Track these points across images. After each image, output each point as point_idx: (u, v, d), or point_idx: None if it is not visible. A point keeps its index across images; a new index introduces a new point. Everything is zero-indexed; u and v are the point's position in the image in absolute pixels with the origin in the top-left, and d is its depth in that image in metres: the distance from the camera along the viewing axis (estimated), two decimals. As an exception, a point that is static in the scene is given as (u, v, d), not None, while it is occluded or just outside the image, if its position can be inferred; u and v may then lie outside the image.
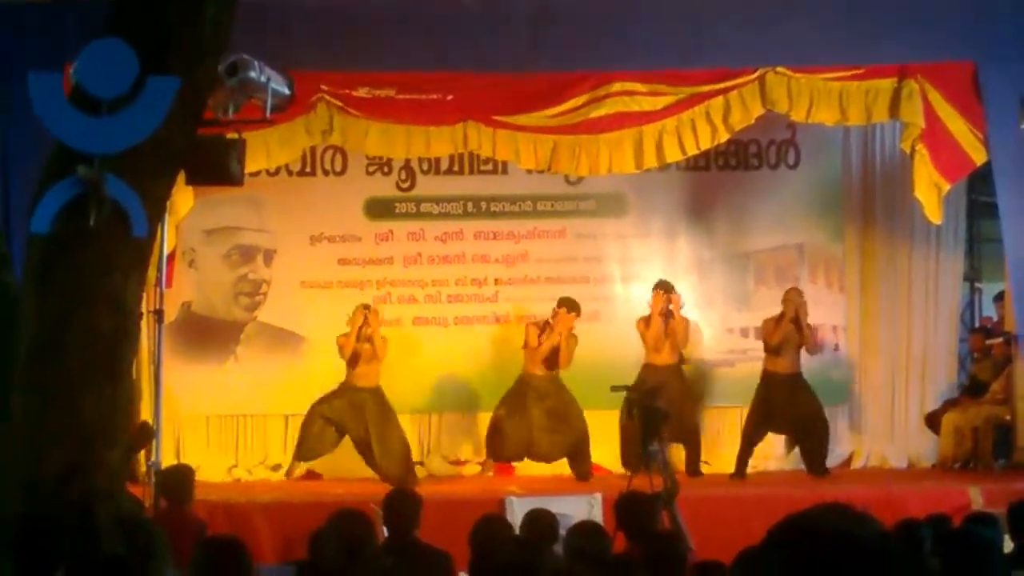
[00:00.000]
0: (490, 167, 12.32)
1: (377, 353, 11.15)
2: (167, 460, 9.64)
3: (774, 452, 12.07)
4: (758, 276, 12.64)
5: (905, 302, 12.67)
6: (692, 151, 11.19)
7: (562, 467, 11.37)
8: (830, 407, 11.80)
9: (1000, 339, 12.02)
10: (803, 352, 11.43)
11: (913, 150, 11.00)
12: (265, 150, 10.49)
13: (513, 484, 10.92)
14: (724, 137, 11.15)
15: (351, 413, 11.07)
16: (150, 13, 6.35)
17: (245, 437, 12.17)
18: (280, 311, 12.27)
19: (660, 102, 10.96)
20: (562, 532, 5.98)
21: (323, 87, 10.67)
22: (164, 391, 9.41)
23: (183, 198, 10.52)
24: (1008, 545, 6.03)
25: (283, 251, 12.30)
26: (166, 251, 9.34)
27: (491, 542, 5.63)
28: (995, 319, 12.70)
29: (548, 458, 11.38)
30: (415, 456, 11.65)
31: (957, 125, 10.92)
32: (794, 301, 11.39)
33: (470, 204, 12.50)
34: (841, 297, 12.70)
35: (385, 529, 6.56)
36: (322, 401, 11.20)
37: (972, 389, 12.17)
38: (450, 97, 10.85)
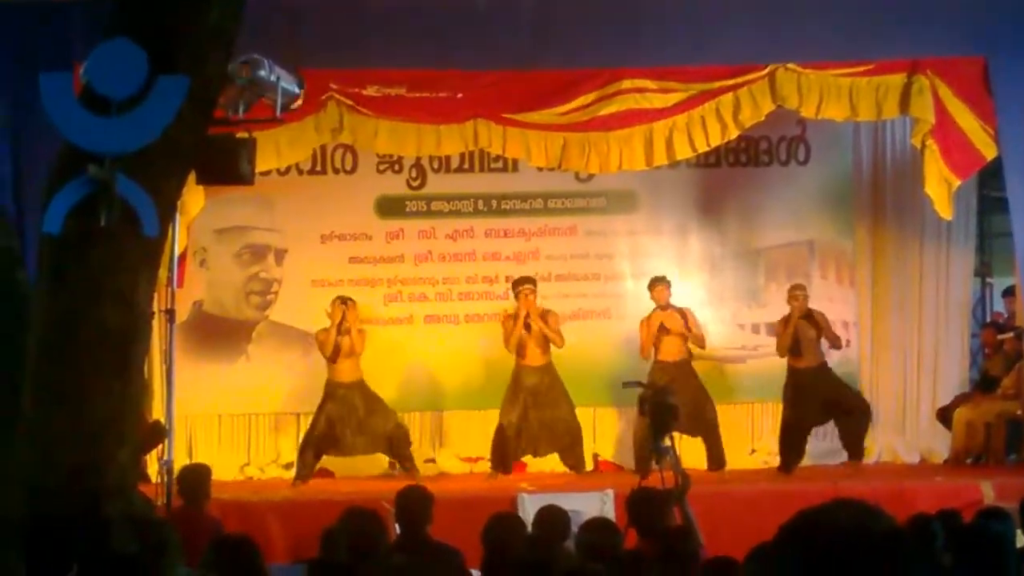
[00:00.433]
0: (500, 165, 12.33)
1: (355, 347, 11.11)
2: (179, 459, 9.64)
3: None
4: (769, 272, 12.63)
5: (916, 298, 12.65)
6: (702, 148, 11.15)
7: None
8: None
9: (1011, 334, 12.01)
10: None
11: (923, 146, 10.97)
12: (275, 149, 10.48)
13: (525, 481, 10.93)
14: (734, 134, 11.13)
15: (343, 413, 11.02)
16: (154, 10, 6.34)
17: (257, 436, 12.21)
18: (291, 310, 12.28)
19: (670, 99, 10.94)
20: (574, 528, 5.99)
21: (333, 86, 10.65)
22: (176, 390, 9.44)
23: (194, 198, 10.53)
24: (1020, 540, 6.02)
25: (294, 250, 12.32)
26: (177, 251, 9.38)
27: (503, 539, 5.63)
28: (1006, 314, 12.68)
29: (537, 452, 11.40)
30: (427, 453, 11.64)
31: (967, 120, 10.89)
32: (796, 299, 11.37)
33: (481, 202, 12.51)
34: (852, 293, 12.70)
35: (397, 527, 6.56)
36: (319, 410, 11.14)
37: (983, 384, 12.16)
38: (460, 95, 10.84)
